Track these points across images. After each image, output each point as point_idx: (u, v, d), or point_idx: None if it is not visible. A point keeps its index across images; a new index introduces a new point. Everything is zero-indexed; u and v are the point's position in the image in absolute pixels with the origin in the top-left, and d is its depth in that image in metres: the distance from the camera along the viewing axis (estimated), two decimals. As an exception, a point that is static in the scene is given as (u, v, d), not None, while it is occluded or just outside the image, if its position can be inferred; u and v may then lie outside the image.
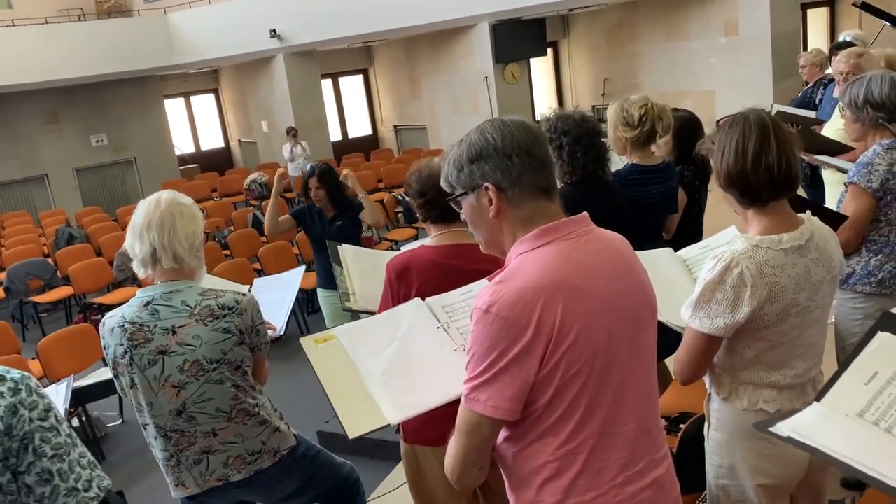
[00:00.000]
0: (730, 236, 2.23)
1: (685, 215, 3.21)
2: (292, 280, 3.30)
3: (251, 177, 11.95)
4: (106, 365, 2.33)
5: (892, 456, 1.33)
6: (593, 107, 13.59)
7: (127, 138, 15.43)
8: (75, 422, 4.81)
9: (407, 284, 2.21)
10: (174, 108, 16.75)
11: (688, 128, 3.21)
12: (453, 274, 2.12)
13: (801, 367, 1.82)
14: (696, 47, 12.33)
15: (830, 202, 3.51)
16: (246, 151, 17.14)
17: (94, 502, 1.57)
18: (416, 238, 7.87)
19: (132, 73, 14.25)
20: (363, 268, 2.81)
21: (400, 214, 9.76)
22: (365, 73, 16.91)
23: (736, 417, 1.85)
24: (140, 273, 2.24)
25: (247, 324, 2.23)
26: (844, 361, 1.55)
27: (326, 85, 15.89)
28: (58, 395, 2.95)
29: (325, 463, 2.53)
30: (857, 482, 2.72)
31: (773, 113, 2.07)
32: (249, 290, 3.02)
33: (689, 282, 2.29)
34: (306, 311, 6.84)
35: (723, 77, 11.85)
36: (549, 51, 14.65)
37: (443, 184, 1.52)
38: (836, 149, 3.48)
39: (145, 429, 2.30)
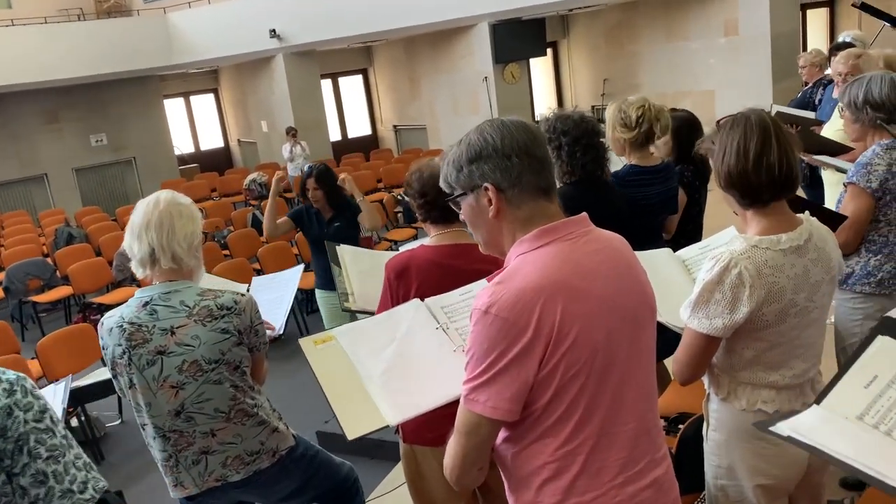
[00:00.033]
0: (729, 236, 2.23)
1: (685, 215, 3.21)
2: (291, 279, 3.28)
3: (251, 177, 11.92)
4: (105, 365, 2.33)
5: (891, 458, 1.34)
6: (593, 107, 13.59)
7: (126, 138, 15.42)
8: (74, 422, 4.80)
9: (406, 284, 2.21)
10: (174, 107, 16.74)
11: (686, 128, 3.21)
12: (452, 274, 2.12)
13: (800, 367, 1.83)
14: (696, 47, 12.33)
15: (830, 202, 3.51)
16: (245, 151, 17.13)
17: None
18: (415, 238, 7.86)
19: (132, 72, 14.25)
20: (362, 268, 2.81)
21: (399, 214, 9.75)
22: (364, 73, 16.90)
23: (735, 418, 1.85)
24: (138, 273, 2.24)
25: (245, 324, 2.23)
26: (844, 364, 1.55)
27: (326, 85, 15.88)
28: (56, 395, 2.94)
29: (324, 463, 2.53)
30: (856, 482, 2.72)
31: (773, 114, 2.07)
32: (248, 290, 3.02)
33: (688, 282, 2.29)
34: (305, 310, 6.83)
35: (722, 77, 11.86)
36: (549, 51, 14.65)
37: (442, 184, 1.52)
38: (835, 149, 3.48)
39: (144, 429, 2.30)
